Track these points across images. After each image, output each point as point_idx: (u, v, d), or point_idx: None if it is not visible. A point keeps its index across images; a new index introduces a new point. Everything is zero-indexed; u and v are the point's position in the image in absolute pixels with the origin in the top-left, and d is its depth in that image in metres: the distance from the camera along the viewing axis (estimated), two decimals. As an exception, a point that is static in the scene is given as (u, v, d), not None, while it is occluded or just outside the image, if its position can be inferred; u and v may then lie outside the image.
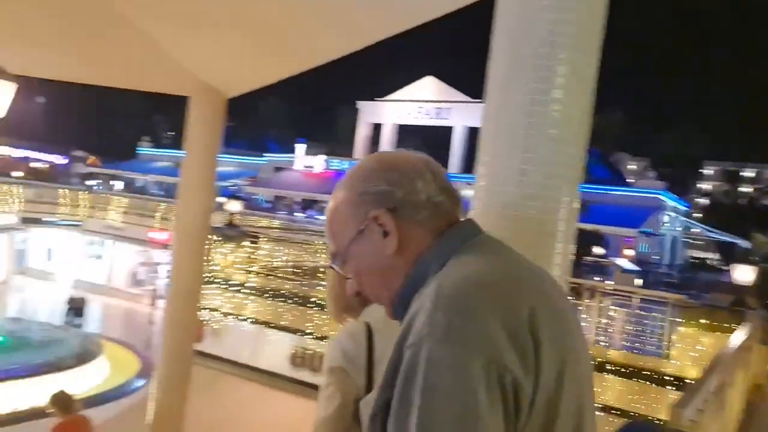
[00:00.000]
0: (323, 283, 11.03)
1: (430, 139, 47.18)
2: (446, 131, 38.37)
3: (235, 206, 14.75)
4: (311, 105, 62.58)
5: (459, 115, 35.61)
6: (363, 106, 40.94)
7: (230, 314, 10.73)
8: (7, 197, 24.68)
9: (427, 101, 37.84)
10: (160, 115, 52.60)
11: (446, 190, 1.13)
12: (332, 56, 4.24)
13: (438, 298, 0.94)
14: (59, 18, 4.64)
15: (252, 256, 11.77)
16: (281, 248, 12.17)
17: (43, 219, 27.04)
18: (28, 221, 26.16)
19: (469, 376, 0.88)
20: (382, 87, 40.91)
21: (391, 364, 0.96)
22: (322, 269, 11.32)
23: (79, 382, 13.66)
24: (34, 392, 10.56)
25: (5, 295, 23.83)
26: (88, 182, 34.72)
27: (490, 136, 1.86)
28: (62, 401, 6.20)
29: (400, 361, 0.93)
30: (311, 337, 10.21)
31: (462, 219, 1.16)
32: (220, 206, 17.69)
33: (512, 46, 1.83)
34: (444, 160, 38.09)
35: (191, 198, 5.97)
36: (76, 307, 22.10)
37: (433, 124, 38.78)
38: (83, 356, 14.90)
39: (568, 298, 1.28)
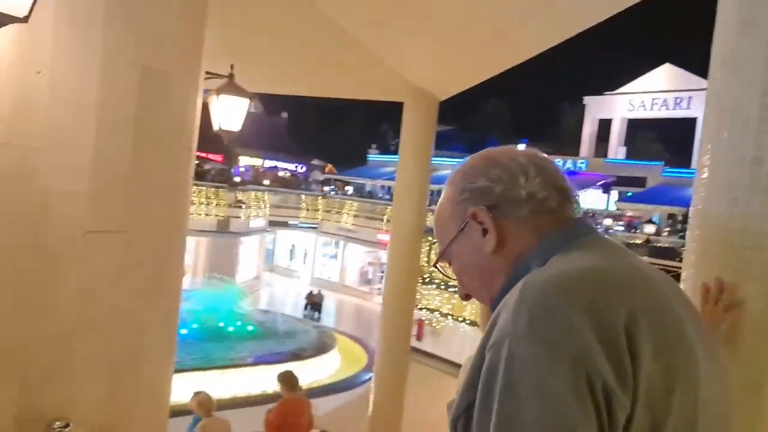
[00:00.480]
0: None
1: (667, 133, 43.30)
2: (686, 123, 34.80)
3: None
4: (534, 104, 61.31)
5: (702, 104, 31.95)
6: (590, 101, 38.92)
7: (449, 315, 10.87)
8: (259, 203, 27.95)
9: (662, 91, 34.76)
10: (386, 123, 55.62)
11: (554, 186, 1.03)
12: (540, 48, 4.04)
13: (523, 294, 0.85)
14: (287, 39, 5.08)
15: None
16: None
17: (288, 222, 30.15)
18: (274, 224, 29.36)
19: (553, 377, 0.78)
20: (612, 81, 38.60)
21: (473, 365, 0.89)
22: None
23: (316, 371, 14.95)
24: (278, 377, 11.66)
25: (257, 290, 26.95)
26: (326, 188, 37.86)
27: (714, 120, 1.58)
28: (288, 380, 6.69)
29: (482, 361, 0.86)
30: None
31: (575, 218, 1.05)
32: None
33: (742, 11, 1.53)
34: (686, 154, 34.56)
35: (405, 200, 6.17)
36: (314, 302, 24.29)
37: (671, 116, 35.48)
38: (320, 348, 16.27)
39: (697, 310, 1.05)
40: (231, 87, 4.10)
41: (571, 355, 0.78)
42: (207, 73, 3.73)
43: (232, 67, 4.14)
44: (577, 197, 1.06)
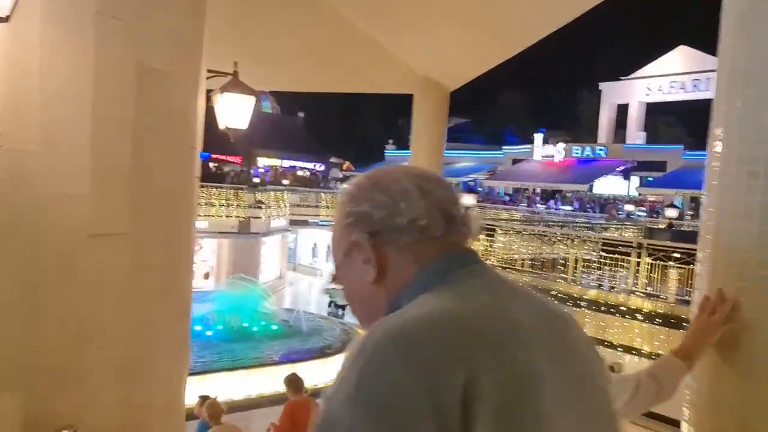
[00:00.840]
0: (563, 275, 10.52)
1: (687, 116, 42.60)
2: (706, 105, 34.16)
3: (468, 200, 14.87)
4: (551, 93, 60.71)
5: (720, 85, 31.31)
6: (606, 87, 38.45)
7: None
8: (279, 203, 28.02)
9: (679, 74, 34.18)
10: (403, 119, 55.49)
11: (440, 211, 0.94)
12: (547, 31, 3.94)
13: (363, 345, 0.78)
14: (293, 35, 5.03)
15: (489, 249, 11.72)
16: (518, 240, 11.91)
17: (309, 221, 30.24)
18: (295, 223, 29.44)
19: None
20: (628, 66, 38.10)
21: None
22: (561, 261, 10.82)
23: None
24: (304, 375, 11.73)
25: (281, 289, 27.05)
26: (344, 185, 37.88)
27: (726, 88, 1.48)
28: (294, 383, 6.75)
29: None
30: (553, 332, 9.80)
31: (464, 245, 0.96)
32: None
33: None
34: (707, 137, 33.89)
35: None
36: (336, 300, 24.30)
37: (689, 99, 34.88)
38: (345, 344, 16.28)
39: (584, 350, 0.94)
40: (235, 85, 4.06)
41: (393, 425, 0.71)
42: (210, 71, 3.70)
43: (235, 64, 4.09)
44: (466, 222, 0.97)
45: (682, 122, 44.65)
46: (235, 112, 4.03)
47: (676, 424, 1.74)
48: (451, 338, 0.78)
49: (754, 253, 1.38)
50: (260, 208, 25.71)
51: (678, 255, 9.05)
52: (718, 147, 1.47)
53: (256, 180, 33.82)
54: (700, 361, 1.60)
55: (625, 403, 1.39)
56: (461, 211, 0.97)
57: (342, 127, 56.19)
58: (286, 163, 46.83)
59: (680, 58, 34.48)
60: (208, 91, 4.27)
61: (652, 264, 9.58)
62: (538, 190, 37.03)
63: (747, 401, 1.50)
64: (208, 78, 3.75)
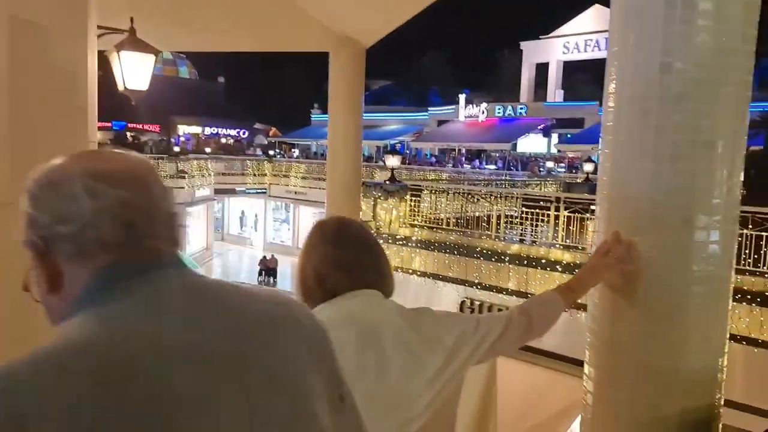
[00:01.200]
0: (488, 232, 10.73)
1: (601, 73, 43.96)
2: (620, 62, 35.31)
3: (394, 161, 14.81)
4: (473, 54, 61.15)
5: (633, 42, 32.40)
6: (526, 46, 39.08)
7: (398, 268, 10.85)
8: (203, 172, 27.25)
9: (593, 32, 35.12)
10: (327, 83, 54.63)
11: (116, 216, 0.81)
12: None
13: None
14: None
15: (415, 210, 11.79)
16: (443, 200, 12.03)
17: (235, 189, 29.61)
18: (221, 192, 28.76)
19: None
20: (546, 26, 38.79)
21: None
22: (485, 218, 11.02)
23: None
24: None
25: (208, 260, 26.52)
26: (271, 152, 37.18)
27: (620, 24, 1.46)
28: None
29: None
30: (479, 287, 10.02)
31: (150, 253, 0.84)
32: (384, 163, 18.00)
33: None
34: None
35: (340, 153, 6.01)
36: (268, 268, 24.11)
37: (604, 57, 35.98)
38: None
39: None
40: (132, 42, 3.79)
41: None
42: (102, 27, 3.44)
43: (131, 20, 3.82)
44: (156, 226, 0.85)
45: (598, 79, 46.14)
46: (134, 72, 3.78)
47: (582, 364, 1.76)
48: (54, 387, 0.69)
49: (647, 192, 1.38)
50: (183, 177, 24.91)
51: (594, 207, 9.37)
52: (612, 86, 1.45)
53: (177, 149, 32.70)
54: (599, 303, 1.61)
55: (496, 339, 1.39)
56: (150, 215, 0.85)
57: (265, 92, 54.90)
58: (208, 131, 45.44)
59: (594, 17, 35.38)
60: (104, 52, 3.99)
61: (570, 217, 9.90)
62: (464, 151, 37.54)
63: (645, 341, 1.52)
64: (100, 36, 3.49)
